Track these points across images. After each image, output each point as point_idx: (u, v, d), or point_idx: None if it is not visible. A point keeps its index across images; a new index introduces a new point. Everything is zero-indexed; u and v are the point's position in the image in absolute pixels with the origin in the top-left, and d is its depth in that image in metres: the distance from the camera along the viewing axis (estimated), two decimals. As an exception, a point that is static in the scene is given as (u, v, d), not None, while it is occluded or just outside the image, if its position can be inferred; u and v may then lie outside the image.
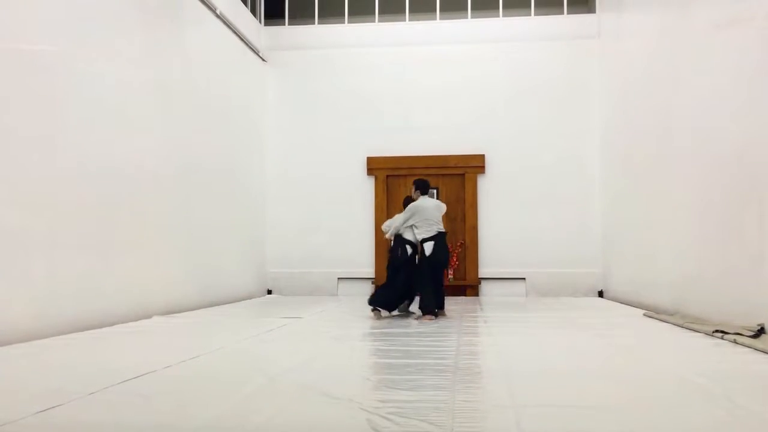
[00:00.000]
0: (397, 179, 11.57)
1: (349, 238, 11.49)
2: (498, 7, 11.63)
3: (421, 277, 7.36)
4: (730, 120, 6.11)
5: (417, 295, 7.58)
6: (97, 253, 6.37)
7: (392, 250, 7.59)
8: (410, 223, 7.43)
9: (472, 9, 11.69)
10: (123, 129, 6.87)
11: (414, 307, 7.85)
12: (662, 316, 7.00)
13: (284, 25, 12.03)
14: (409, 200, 7.82)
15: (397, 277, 7.40)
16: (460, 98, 11.45)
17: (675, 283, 7.40)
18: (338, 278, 11.49)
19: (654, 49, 8.32)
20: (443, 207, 7.67)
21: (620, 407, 3.12)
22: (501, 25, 11.57)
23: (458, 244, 11.26)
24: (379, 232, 10.84)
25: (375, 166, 11.49)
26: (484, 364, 4.35)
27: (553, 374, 3.97)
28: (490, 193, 11.33)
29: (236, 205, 10.34)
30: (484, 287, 11.19)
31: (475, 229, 11.25)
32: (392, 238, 7.68)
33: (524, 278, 11.13)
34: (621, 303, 9.41)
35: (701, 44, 6.82)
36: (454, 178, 11.46)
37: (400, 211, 7.78)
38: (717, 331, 5.48)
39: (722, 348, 4.96)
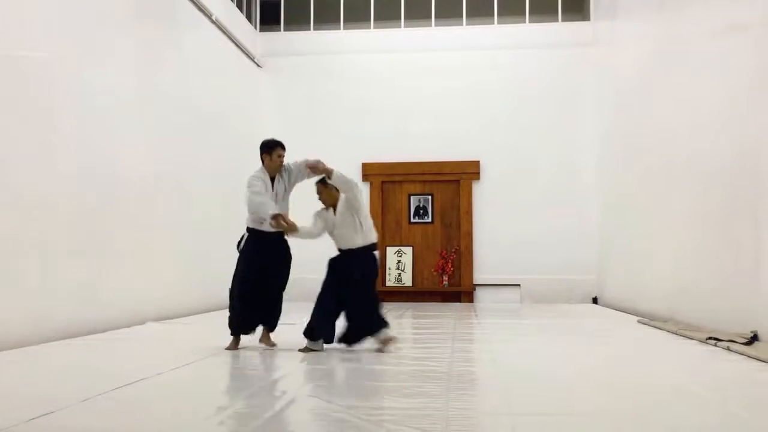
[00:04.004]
0: (393, 185, 11.57)
1: (344, 244, 11.45)
2: (493, 15, 11.66)
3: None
4: (726, 128, 6.12)
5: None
6: (91, 259, 6.33)
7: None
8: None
9: (467, 16, 11.73)
10: (117, 135, 6.84)
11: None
12: (656, 323, 7.02)
13: (280, 31, 12.04)
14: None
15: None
16: (455, 105, 11.46)
17: (670, 291, 7.41)
18: (333, 284, 11.45)
19: (649, 57, 8.35)
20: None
21: (615, 415, 3.13)
22: (496, 32, 11.60)
23: (453, 250, 11.26)
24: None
25: (370, 172, 11.49)
26: (479, 371, 4.36)
27: (548, 381, 3.97)
28: (485, 199, 11.33)
29: (232, 211, 10.29)
30: (479, 293, 11.19)
31: (470, 235, 11.25)
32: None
33: (519, 285, 11.12)
34: (615, 310, 9.41)
35: (697, 52, 6.84)
36: (449, 184, 11.47)
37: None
38: (710, 338, 5.49)
39: (716, 355, 4.97)
